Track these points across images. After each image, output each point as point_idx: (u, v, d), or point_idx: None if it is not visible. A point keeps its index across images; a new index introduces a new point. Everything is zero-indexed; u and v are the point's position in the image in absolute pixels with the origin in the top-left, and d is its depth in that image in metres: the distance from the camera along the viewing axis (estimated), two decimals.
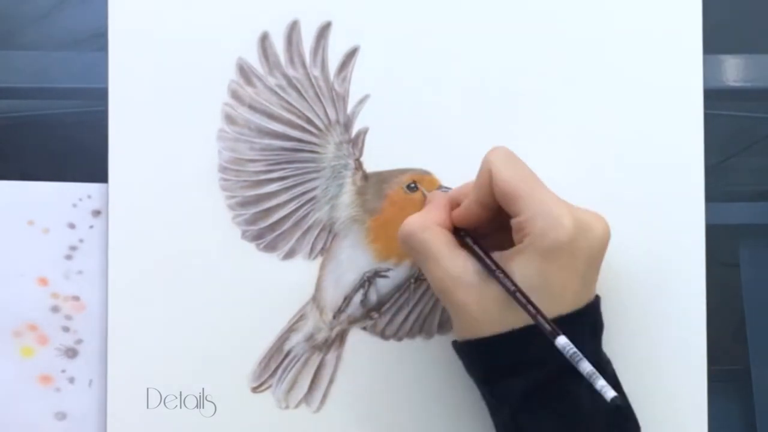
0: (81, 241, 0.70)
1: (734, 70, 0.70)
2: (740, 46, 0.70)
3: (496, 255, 0.61)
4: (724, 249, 0.70)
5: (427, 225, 0.62)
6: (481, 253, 0.61)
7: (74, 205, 0.70)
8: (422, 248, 0.62)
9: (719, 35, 0.69)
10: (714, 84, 0.69)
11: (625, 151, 0.69)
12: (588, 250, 0.60)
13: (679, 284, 0.68)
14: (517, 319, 0.59)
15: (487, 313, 0.60)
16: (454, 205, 0.64)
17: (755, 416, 0.70)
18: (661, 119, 0.69)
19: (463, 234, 0.63)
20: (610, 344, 0.65)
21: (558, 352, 0.57)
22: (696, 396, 0.68)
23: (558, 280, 0.59)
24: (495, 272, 0.60)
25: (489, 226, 0.63)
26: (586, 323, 0.61)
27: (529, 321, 0.58)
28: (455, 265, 0.61)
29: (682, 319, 0.68)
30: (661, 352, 0.68)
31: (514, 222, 0.60)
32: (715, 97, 0.69)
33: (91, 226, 0.70)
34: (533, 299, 0.58)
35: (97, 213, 0.70)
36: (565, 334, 0.57)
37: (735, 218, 0.70)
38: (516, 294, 0.59)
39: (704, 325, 0.68)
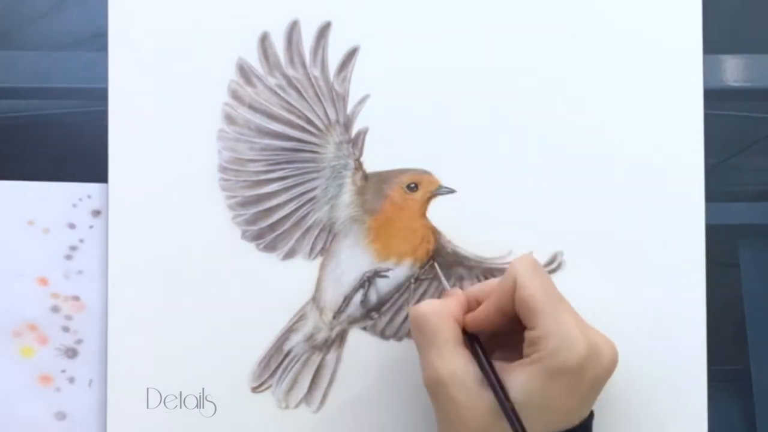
0: (81, 241, 0.70)
1: (734, 70, 0.70)
2: (740, 46, 0.70)
3: (499, 364, 0.60)
4: (724, 249, 0.69)
5: (443, 314, 0.62)
6: (485, 361, 0.60)
7: (74, 205, 0.70)
8: (431, 334, 0.61)
9: (719, 35, 0.69)
10: (714, 84, 0.69)
11: (625, 151, 0.69)
12: (594, 375, 0.59)
13: (679, 284, 0.68)
14: None
15: (474, 420, 0.59)
16: (472, 303, 0.64)
17: (755, 416, 0.70)
18: (661, 119, 0.69)
19: (470, 338, 0.62)
20: None
21: None
22: (696, 396, 0.68)
23: (558, 400, 0.59)
24: (492, 380, 0.59)
25: (499, 328, 0.63)
26: None
27: None
28: (456, 362, 0.60)
29: (682, 319, 0.68)
30: (661, 352, 0.68)
31: (528, 334, 0.60)
32: (715, 97, 0.69)
33: (91, 226, 0.70)
34: (529, 414, 0.58)
35: (97, 213, 0.70)
36: None
37: (735, 218, 0.70)
38: (507, 409, 0.58)
39: (704, 325, 0.68)
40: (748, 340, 0.70)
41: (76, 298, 0.70)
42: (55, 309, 0.70)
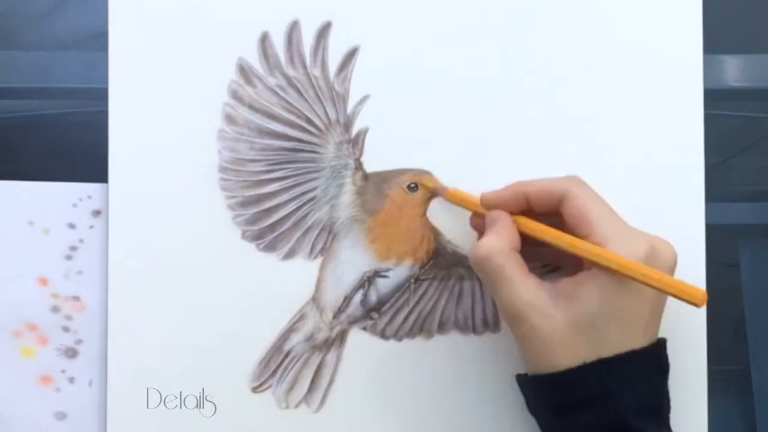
0: (81, 241, 0.70)
1: (734, 70, 0.70)
2: (740, 46, 0.70)
3: (566, 280, 0.61)
4: (724, 249, 0.69)
5: (503, 248, 0.61)
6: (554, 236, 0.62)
7: (74, 205, 0.70)
8: (497, 273, 0.61)
9: (719, 35, 0.69)
10: (714, 84, 0.69)
11: (625, 152, 0.69)
12: (659, 274, 0.60)
13: None
14: (588, 351, 0.59)
15: (559, 341, 0.59)
16: (521, 201, 0.64)
17: (755, 416, 0.70)
18: (662, 119, 0.69)
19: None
20: None
21: (631, 388, 0.59)
22: (696, 396, 0.68)
23: (632, 305, 0.59)
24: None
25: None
26: (654, 361, 0.61)
27: (602, 354, 0.59)
28: (528, 291, 0.60)
29: (682, 319, 0.68)
30: None
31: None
32: (715, 97, 0.69)
33: (91, 226, 0.70)
34: (609, 328, 0.59)
35: (97, 213, 0.70)
36: (635, 369, 0.59)
37: (735, 218, 0.70)
38: None
39: (704, 325, 0.68)
40: (748, 340, 0.70)
41: (76, 298, 0.70)
42: (55, 309, 0.70)
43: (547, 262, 0.67)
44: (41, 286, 0.70)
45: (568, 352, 0.59)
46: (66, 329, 0.70)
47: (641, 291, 0.59)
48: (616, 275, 0.59)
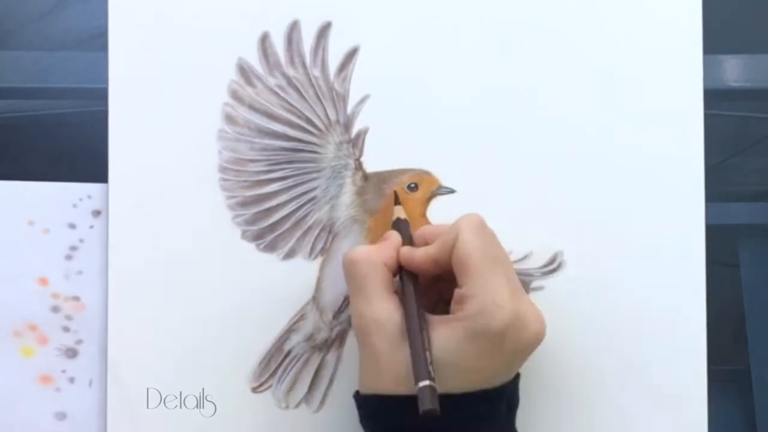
0: (81, 241, 0.70)
1: (734, 70, 0.70)
2: (740, 46, 0.70)
3: (430, 316, 0.60)
4: (724, 249, 0.69)
5: (373, 260, 0.61)
6: (409, 300, 0.60)
7: (74, 205, 0.70)
8: (360, 281, 0.61)
9: (719, 35, 0.69)
10: (714, 84, 0.69)
11: (625, 152, 0.69)
12: (516, 345, 0.59)
13: (679, 284, 0.68)
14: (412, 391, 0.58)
15: (392, 369, 0.59)
16: (419, 242, 0.64)
17: (755, 416, 0.70)
18: (662, 119, 0.69)
19: (404, 278, 0.62)
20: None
21: (454, 426, 0.58)
22: (696, 396, 0.68)
23: (474, 362, 0.58)
24: (413, 326, 0.59)
25: (434, 277, 0.63)
26: (496, 402, 0.60)
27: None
28: (383, 309, 0.60)
29: (682, 319, 0.68)
30: (661, 352, 0.68)
31: (457, 292, 0.59)
32: (715, 97, 0.69)
33: (91, 226, 0.70)
34: (445, 372, 0.57)
35: (97, 213, 0.70)
36: (479, 407, 0.58)
37: (735, 218, 0.70)
38: (413, 348, 0.58)
39: (704, 325, 0.68)
40: (748, 340, 0.70)
41: (76, 298, 0.70)
42: (55, 309, 0.70)
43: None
44: (41, 286, 0.70)
45: (401, 381, 0.58)
46: (66, 329, 0.70)
47: (492, 353, 0.58)
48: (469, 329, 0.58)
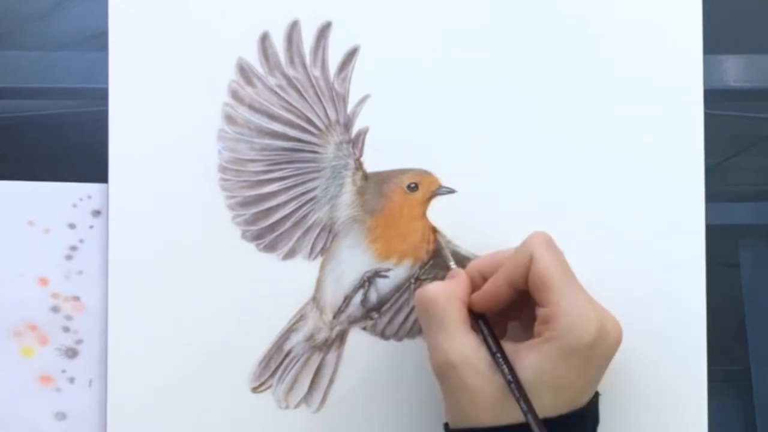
0: (81, 241, 0.70)
1: (734, 70, 0.70)
2: (740, 46, 0.70)
3: (509, 344, 0.60)
4: (724, 249, 0.69)
5: (451, 296, 0.61)
6: (492, 342, 0.60)
7: (74, 206, 0.70)
8: (439, 317, 0.60)
9: (719, 35, 0.69)
10: (714, 84, 0.69)
11: (625, 152, 0.69)
12: (603, 354, 0.59)
13: (679, 284, 0.68)
14: (513, 416, 0.58)
15: (486, 401, 0.59)
16: (477, 280, 0.63)
17: (755, 416, 0.70)
18: (662, 120, 0.69)
19: (477, 317, 0.62)
20: None
21: None
22: (696, 396, 0.68)
23: (570, 379, 0.58)
24: (500, 362, 0.59)
25: (506, 305, 0.63)
26: (587, 421, 0.61)
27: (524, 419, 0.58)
28: (466, 345, 0.60)
29: (682, 319, 0.68)
30: (662, 352, 0.68)
31: (540, 312, 0.59)
32: (715, 98, 0.69)
33: (91, 226, 0.70)
34: (540, 394, 0.58)
35: (97, 213, 0.70)
36: (574, 428, 0.58)
37: (735, 218, 0.70)
38: (512, 385, 0.58)
39: (704, 325, 0.68)
40: (748, 340, 0.70)
41: (76, 298, 0.70)
42: (55, 309, 0.70)
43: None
44: (41, 286, 0.70)
45: (492, 413, 0.59)
46: (66, 329, 0.70)
47: (584, 366, 0.58)
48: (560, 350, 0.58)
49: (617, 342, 0.60)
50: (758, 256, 0.70)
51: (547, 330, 0.59)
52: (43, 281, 0.70)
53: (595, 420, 0.62)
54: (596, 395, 0.62)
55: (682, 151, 0.68)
